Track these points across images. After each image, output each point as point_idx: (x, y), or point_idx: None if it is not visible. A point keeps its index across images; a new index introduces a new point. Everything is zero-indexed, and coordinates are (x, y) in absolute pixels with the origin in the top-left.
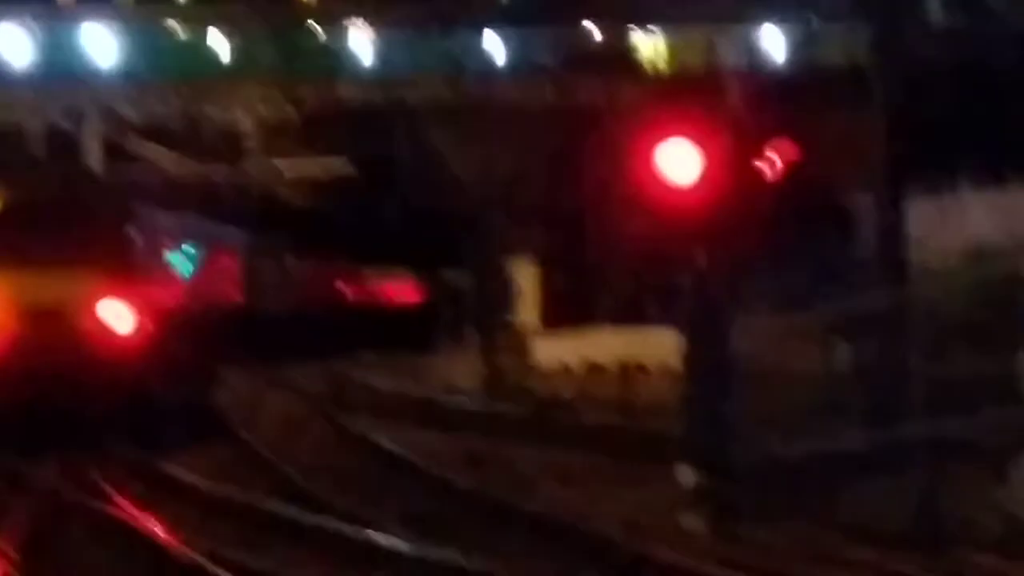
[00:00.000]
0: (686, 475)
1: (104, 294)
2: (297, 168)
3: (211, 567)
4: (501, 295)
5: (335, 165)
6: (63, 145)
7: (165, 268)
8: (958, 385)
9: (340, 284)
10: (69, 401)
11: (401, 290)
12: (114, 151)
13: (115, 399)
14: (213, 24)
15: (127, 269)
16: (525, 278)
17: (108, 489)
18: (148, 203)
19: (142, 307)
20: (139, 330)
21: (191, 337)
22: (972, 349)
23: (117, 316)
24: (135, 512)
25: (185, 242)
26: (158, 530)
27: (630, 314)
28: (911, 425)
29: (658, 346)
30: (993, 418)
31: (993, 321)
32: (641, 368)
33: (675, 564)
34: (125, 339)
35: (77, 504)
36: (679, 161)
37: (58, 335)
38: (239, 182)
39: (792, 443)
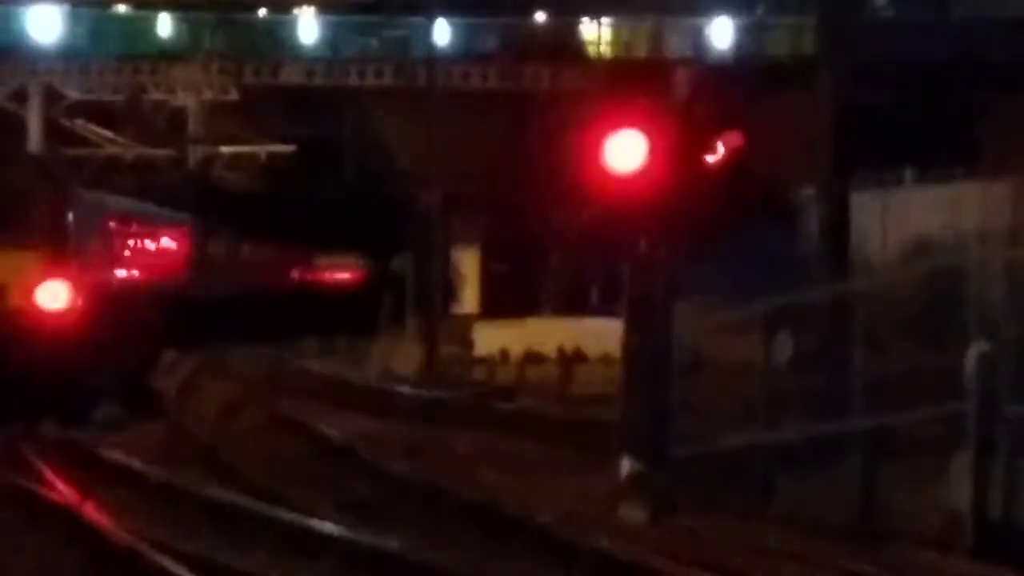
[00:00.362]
0: (625, 465)
1: (42, 275)
2: (240, 151)
3: (147, 552)
4: (443, 282)
5: (278, 148)
6: (4, 125)
7: (106, 249)
8: (899, 379)
9: (282, 268)
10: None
11: (342, 275)
12: (56, 131)
13: (47, 376)
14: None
15: (66, 250)
16: (467, 265)
17: (44, 471)
18: (90, 184)
19: (79, 287)
20: (73, 309)
21: (130, 318)
22: (914, 343)
23: (53, 296)
24: (71, 495)
25: (127, 224)
26: (94, 514)
27: (571, 303)
28: (851, 418)
29: (598, 335)
30: (934, 413)
31: (935, 316)
32: (581, 357)
33: (612, 553)
34: (59, 317)
35: (11, 486)
36: (623, 149)
37: None
38: (182, 164)
39: (731, 434)
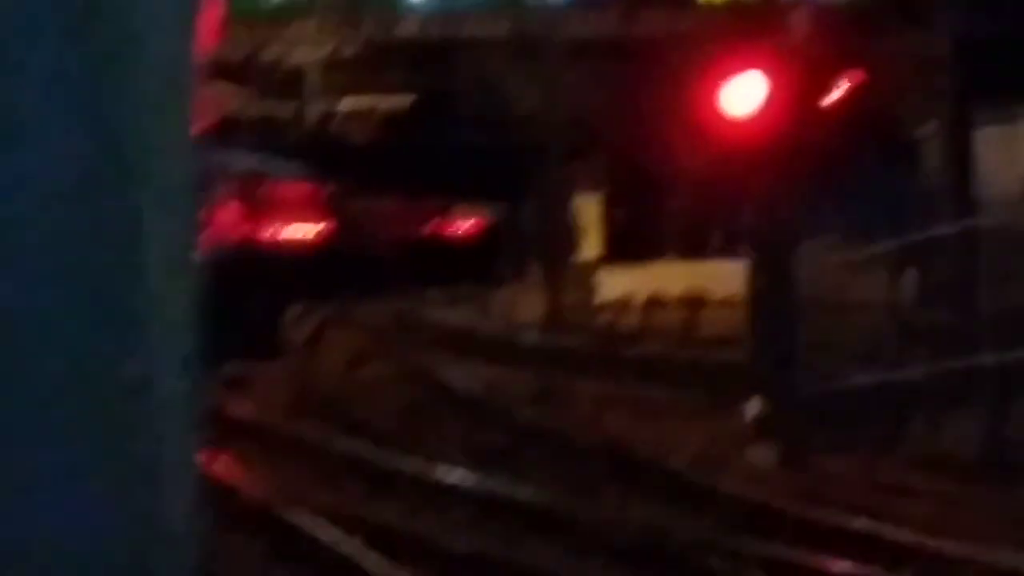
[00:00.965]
0: (753, 406)
1: None
2: (358, 104)
3: (281, 506)
4: (565, 229)
5: (396, 101)
6: None
7: (235, 205)
8: None
9: (404, 219)
10: None
11: (464, 225)
12: None
13: None
14: None
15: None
16: (588, 212)
17: None
18: (212, 142)
19: (209, 242)
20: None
21: (258, 273)
22: None
23: None
24: (203, 451)
25: (256, 181)
26: (224, 470)
27: (695, 246)
28: (980, 354)
29: (723, 278)
30: None
31: None
32: (706, 300)
33: (743, 496)
34: None
35: None
36: (742, 92)
37: None
38: (300, 119)
39: (859, 374)
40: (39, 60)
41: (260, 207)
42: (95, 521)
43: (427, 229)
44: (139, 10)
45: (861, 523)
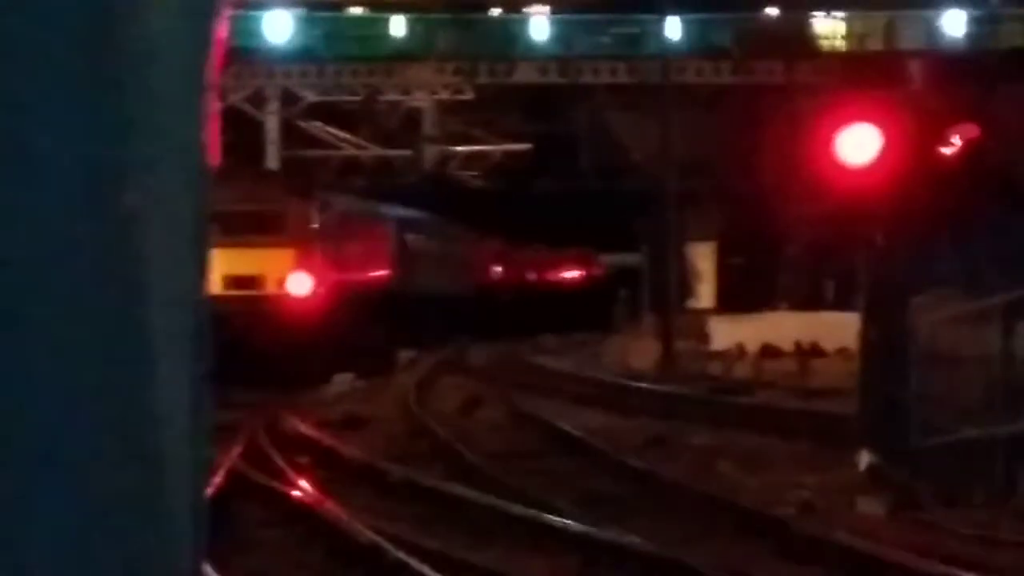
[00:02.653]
0: (863, 457)
1: (291, 268)
2: (475, 150)
3: (391, 549)
4: (678, 277)
5: (513, 147)
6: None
7: (347, 248)
8: None
9: (519, 265)
10: (263, 344)
11: (579, 270)
12: (293, 133)
13: (292, 349)
14: (393, 5)
15: (310, 249)
16: (702, 260)
17: (285, 469)
18: (328, 186)
19: (320, 279)
20: (315, 296)
21: (362, 308)
22: None
23: (299, 284)
24: (313, 493)
25: (367, 225)
26: (335, 511)
27: (807, 297)
28: None
29: (835, 329)
30: None
31: None
32: (818, 351)
33: (852, 547)
34: (303, 302)
35: (253, 484)
36: (857, 142)
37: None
38: (417, 164)
39: (971, 426)
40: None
41: (370, 249)
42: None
43: (541, 274)
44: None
45: None
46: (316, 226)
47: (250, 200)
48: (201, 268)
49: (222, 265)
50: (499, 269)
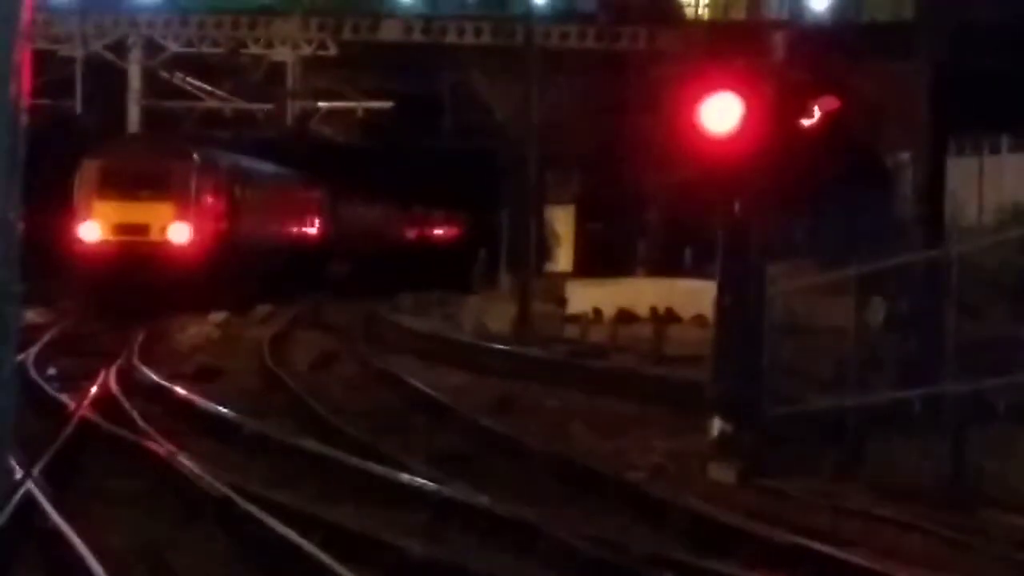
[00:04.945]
0: (715, 425)
1: (173, 219)
2: (337, 106)
3: (241, 502)
4: (537, 240)
5: (376, 104)
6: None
7: (223, 203)
8: (993, 344)
9: (378, 222)
10: (146, 285)
11: (438, 230)
12: (155, 83)
13: (174, 287)
14: None
15: (189, 204)
16: (562, 224)
17: (138, 421)
18: (188, 137)
19: (198, 230)
20: (192, 244)
21: (236, 258)
22: (1008, 308)
23: (179, 233)
24: (165, 444)
25: (243, 182)
26: (188, 464)
27: (665, 263)
28: (943, 383)
29: (691, 296)
30: None
31: None
32: (674, 317)
33: (701, 513)
34: (182, 248)
35: (107, 435)
36: (719, 111)
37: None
38: (280, 118)
39: (823, 396)
40: None
41: (244, 204)
42: None
43: (400, 232)
44: None
45: (815, 545)
46: (195, 183)
47: (140, 160)
48: (12, 199)
49: (116, 215)
50: (358, 226)
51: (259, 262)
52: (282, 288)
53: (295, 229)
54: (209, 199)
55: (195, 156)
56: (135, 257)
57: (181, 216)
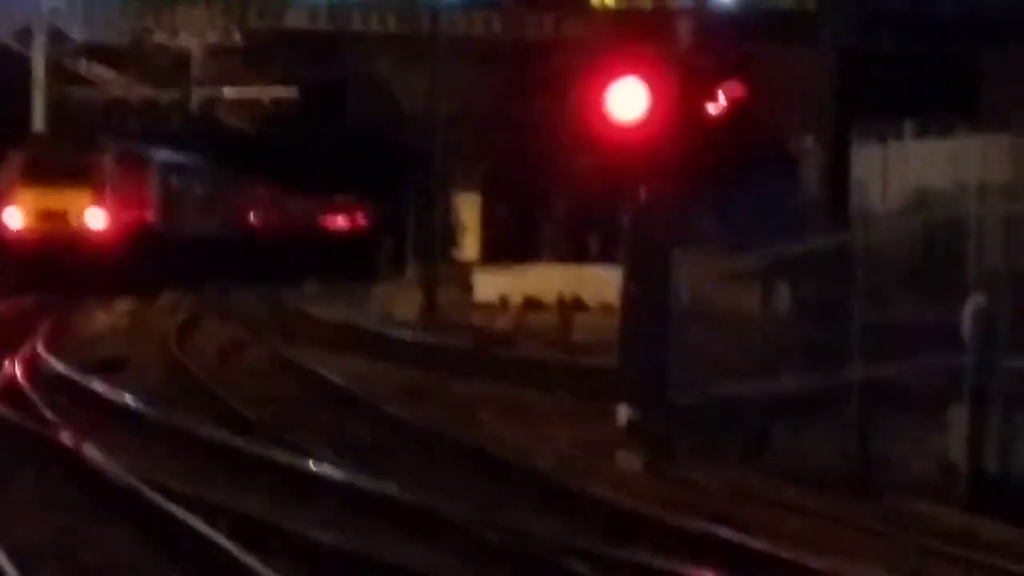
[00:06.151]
0: (622, 412)
1: (89, 205)
2: (243, 93)
3: (148, 492)
4: (443, 227)
5: (281, 92)
6: (9, 64)
7: (135, 191)
8: (898, 330)
9: (284, 211)
10: (67, 264)
11: (344, 219)
12: (61, 72)
13: (91, 269)
14: None
15: (104, 191)
16: (468, 211)
17: (43, 410)
18: (94, 126)
19: (112, 216)
20: (107, 229)
21: (148, 244)
22: (913, 295)
23: (95, 219)
24: (70, 434)
25: (152, 170)
26: (93, 453)
27: (571, 250)
28: (849, 369)
29: (598, 283)
30: (932, 364)
31: (934, 267)
32: (580, 304)
33: (608, 501)
34: (98, 234)
35: (10, 424)
36: (624, 98)
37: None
38: (185, 106)
39: (729, 383)
40: None
41: (159, 193)
42: None
43: (306, 220)
44: None
45: (722, 532)
46: (110, 172)
47: (62, 153)
48: None
49: (39, 202)
50: (264, 214)
51: (182, 250)
52: (190, 276)
53: (216, 219)
54: (128, 189)
55: (113, 149)
56: (55, 242)
57: (97, 203)
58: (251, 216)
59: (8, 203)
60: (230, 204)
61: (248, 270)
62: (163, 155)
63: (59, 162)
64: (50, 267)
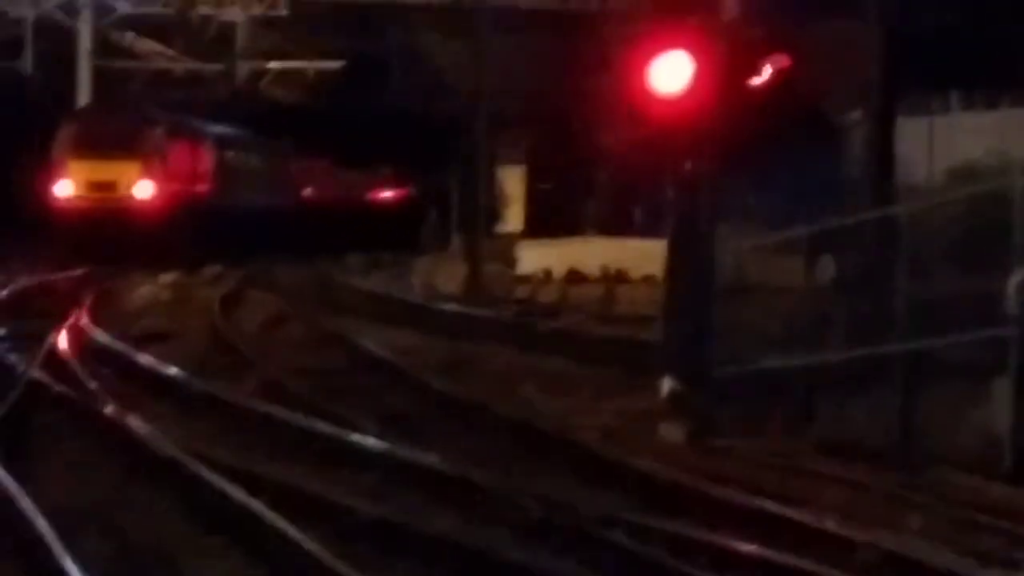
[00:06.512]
0: (665, 384)
1: (139, 177)
2: (287, 66)
3: (190, 463)
4: (488, 200)
5: (326, 64)
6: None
7: (184, 163)
8: (942, 304)
9: (329, 183)
10: (116, 235)
11: (389, 191)
12: (105, 44)
13: (138, 240)
14: None
15: (153, 163)
16: (512, 184)
17: (86, 380)
18: (138, 97)
19: (161, 188)
20: (155, 200)
21: (194, 215)
22: (957, 268)
23: (144, 190)
24: (114, 405)
25: (200, 143)
26: (135, 423)
27: (615, 223)
28: (893, 342)
29: (642, 256)
30: (975, 338)
31: (979, 241)
32: (624, 277)
33: (650, 473)
34: (146, 204)
35: (53, 394)
36: (669, 70)
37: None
38: (230, 79)
39: (772, 356)
40: None
41: (206, 165)
42: None
43: (351, 193)
44: None
45: (766, 504)
46: (161, 144)
47: (113, 124)
48: None
49: (89, 173)
50: (313, 187)
51: (233, 223)
52: (237, 248)
53: (268, 191)
54: (180, 161)
55: (165, 121)
56: (104, 213)
57: (146, 175)
58: (301, 189)
59: (59, 174)
60: (281, 177)
61: (295, 242)
62: (216, 128)
63: (110, 133)
64: (99, 238)
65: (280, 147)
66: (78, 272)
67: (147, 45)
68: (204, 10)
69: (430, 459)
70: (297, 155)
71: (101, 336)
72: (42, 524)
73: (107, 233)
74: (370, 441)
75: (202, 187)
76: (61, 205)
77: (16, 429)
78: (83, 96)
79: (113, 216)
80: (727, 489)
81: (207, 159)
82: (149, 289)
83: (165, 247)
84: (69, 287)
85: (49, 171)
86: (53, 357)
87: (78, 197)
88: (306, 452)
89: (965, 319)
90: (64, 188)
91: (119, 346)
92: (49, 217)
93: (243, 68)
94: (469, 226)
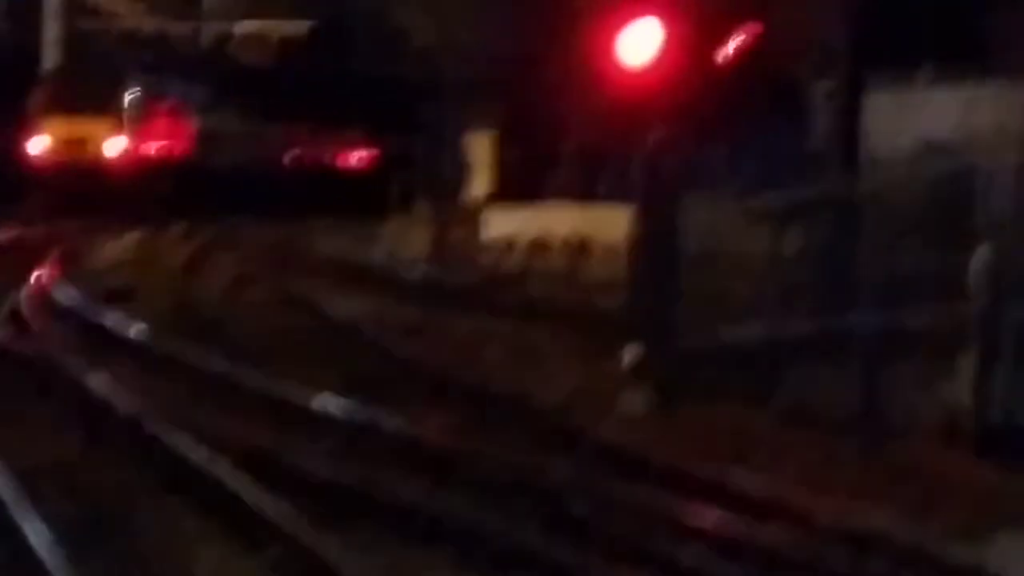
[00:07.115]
0: (628, 352)
1: (108, 135)
2: (255, 27)
3: (152, 424)
4: (453, 166)
5: (291, 26)
6: None
7: (151, 123)
8: (906, 277)
9: (295, 146)
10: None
11: (354, 155)
12: (73, 2)
13: (107, 195)
14: None
15: (121, 122)
16: (480, 149)
17: (48, 340)
18: (105, 56)
19: (129, 145)
20: (123, 158)
21: (158, 173)
22: (922, 242)
23: (113, 148)
24: (75, 364)
25: (160, 99)
26: (99, 384)
27: (583, 190)
28: (858, 314)
29: (608, 223)
30: (940, 311)
31: (944, 216)
32: (590, 244)
33: (611, 441)
34: (115, 161)
35: (14, 353)
36: (637, 40)
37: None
38: (196, 40)
39: (736, 326)
40: None
41: (170, 125)
42: None
43: (317, 156)
44: None
45: (729, 473)
46: (136, 104)
47: (85, 83)
48: None
49: (63, 131)
50: (283, 150)
51: (208, 184)
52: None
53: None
54: (155, 122)
55: (142, 80)
56: (75, 170)
57: (118, 132)
58: (278, 152)
59: (34, 131)
60: (259, 139)
61: (265, 205)
62: (191, 88)
63: (84, 92)
64: (71, 195)
65: (256, 109)
66: (46, 229)
67: (115, 5)
68: None
69: (392, 423)
70: (275, 119)
71: (65, 295)
72: (1, 483)
73: (79, 190)
74: (332, 404)
75: (176, 147)
76: (35, 162)
77: None
78: (51, 56)
79: (85, 173)
80: (688, 458)
81: (182, 120)
82: (116, 247)
83: (135, 206)
84: (35, 244)
85: (24, 128)
86: (13, 315)
87: (52, 153)
88: (271, 416)
89: (931, 292)
90: (38, 145)
91: (82, 304)
92: (23, 173)
93: (209, 30)
94: (436, 191)
